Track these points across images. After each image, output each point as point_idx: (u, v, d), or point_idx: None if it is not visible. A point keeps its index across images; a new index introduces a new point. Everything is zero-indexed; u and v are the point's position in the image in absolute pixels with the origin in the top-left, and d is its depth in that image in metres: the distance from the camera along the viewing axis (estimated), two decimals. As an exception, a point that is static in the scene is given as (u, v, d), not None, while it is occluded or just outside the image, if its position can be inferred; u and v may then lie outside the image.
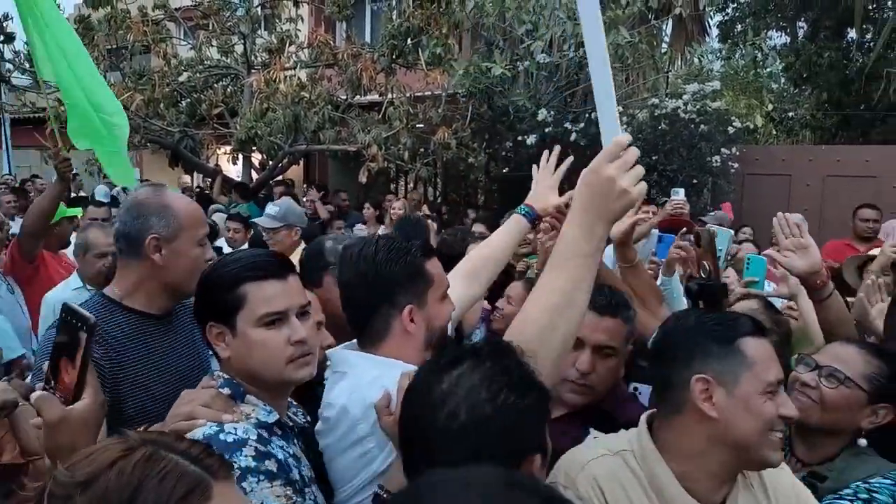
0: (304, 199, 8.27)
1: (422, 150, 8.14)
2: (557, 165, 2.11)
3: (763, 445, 1.29)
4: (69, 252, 4.54)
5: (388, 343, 1.48)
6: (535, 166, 2.14)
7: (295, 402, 1.58)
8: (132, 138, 9.11)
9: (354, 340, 1.57)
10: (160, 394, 1.67)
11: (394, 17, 8.41)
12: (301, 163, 11.63)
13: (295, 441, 1.45)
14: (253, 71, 9.07)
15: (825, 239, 6.01)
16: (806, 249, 2.05)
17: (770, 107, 13.19)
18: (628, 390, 2.16)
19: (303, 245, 4.06)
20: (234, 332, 1.39)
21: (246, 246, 5.42)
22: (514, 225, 2.04)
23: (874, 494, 1.56)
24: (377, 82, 8.31)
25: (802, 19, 15.01)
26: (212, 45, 9.38)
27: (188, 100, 9.53)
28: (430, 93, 8.28)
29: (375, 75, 8.19)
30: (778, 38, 16.33)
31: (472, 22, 8.24)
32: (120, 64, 9.49)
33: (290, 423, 1.47)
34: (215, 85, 9.89)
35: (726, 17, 16.43)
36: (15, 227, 4.26)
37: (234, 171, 10.93)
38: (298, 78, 8.71)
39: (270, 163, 9.36)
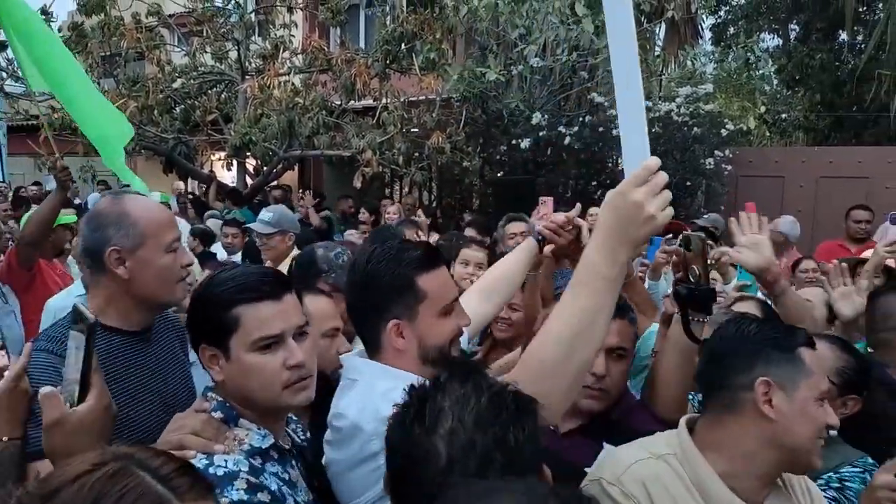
0: (299, 205, 8.27)
1: (416, 154, 8.15)
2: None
3: (812, 450, 1.34)
4: (69, 260, 4.54)
5: (384, 355, 1.45)
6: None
7: (295, 418, 1.52)
8: (126, 145, 9.13)
9: (362, 348, 1.55)
10: (142, 417, 1.58)
11: (387, 22, 8.44)
12: (296, 168, 11.63)
13: (293, 463, 1.40)
14: (247, 77, 9.07)
15: (819, 240, 6.04)
16: (758, 245, 2.09)
17: (763, 109, 13.25)
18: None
19: (296, 251, 4.07)
20: (227, 355, 1.32)
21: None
22: (523, 247, 2.07)
23: (846, 483, 1.64)
24: (371, 87, 8.33)
25: (794, 21, 15.10)
26: (206, 52, 9.39)
27: (182, 106, 9.53)
28: (424, 97, 8.30)
29: (370, 80, 8.21)
30: (770, 41, 16.43)
31: (466, 27, 8.26)
32: (114, 71, 9.48)
33: (288, 446, 1.41)
34: (209, 91, 9.89)
35: (719, 20, 16.52)
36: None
37: (228, 176, 10.92)
38: (293, 84, 8.72)
39: (265, 168, 9.36)
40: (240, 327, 1.31)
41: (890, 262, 3.01)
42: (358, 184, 7.97)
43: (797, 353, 1.37)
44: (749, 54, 12.11)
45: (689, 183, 7.81)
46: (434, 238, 5.20)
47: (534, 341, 1.28)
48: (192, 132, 9.62)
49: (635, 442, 1.47)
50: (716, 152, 7.95)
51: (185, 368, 1.80)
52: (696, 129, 7.78)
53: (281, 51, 9.02)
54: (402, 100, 8.21)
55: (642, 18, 8.70)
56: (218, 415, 1.33)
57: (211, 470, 1.22)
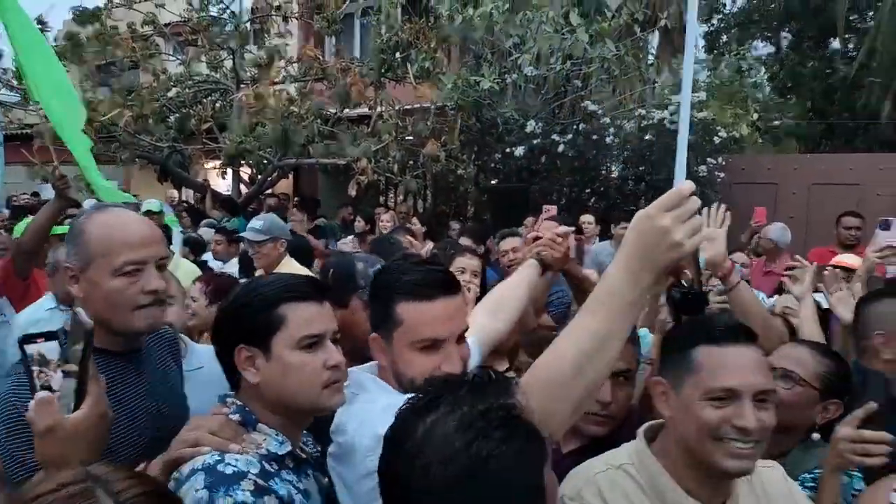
0: (290, 220, 8.29)
1: (411, 162, 8.18)
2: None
3: (710, 451, 1.31)
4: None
5: (381, 371, 1.48)
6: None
7: (305, 431, 1.50)
8: (121, 154, 9.16)
9: (374, 362, 1.53)
10: (130, 439, 1.50)
11: (382, 31, 8.48)
12: (290, 176, 11.65)
13: (309, 473, 1.39)
14: (242, 86, 9.10)
15: (811, 246, 6.08)
16: (713, 241, 2.15)
17: (755, 116, 13.34)
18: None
19: (288, 257, 4.09)
20: (268, 355, 1.33)
21: (235, 260, 5.42)
22: (527, 266, 2.08)
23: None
24: (366, 96, 8.36)
25: (786, 29, 15.23)
26: (201, 61, 9.43)
27: (177, 115, 9.54)
28: (419, 106, 8.33)
29: (364, 89, 8.24)
30: (763, 48, 16.56)
31: (461, 36, 8.31)
32: (109, 80, 9.50)
33: (304, 455, 1.40)
34: (204, 100, 9.91)
35: (712, 28, 16.65)
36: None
37: (223, 185, 10.93)
38: (287, 92, 8.75)
39: (259, 177, 9.38)
40: (284, 325, 1.32)
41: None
42: (353, 192, 7.99)
43: (688, 352, 1.36)
44: (741, 62, 12.19)
45: (681, 190, 7.83)
46: (429, 246, 5.22)
47: (543, 356, 1.25)
48: (187, 141, 9.63)
49: (599, 456, 1.47)
50: (708, 159, 7.99)
51: (178, 383, 1.76)
52: (688, 136, 7.82)
53: (276, 60, 9.05)
54: (396, 108, 8.24)
55: (636, 27, 8.77)
56: (236, 418, 1.34)
57: (220, 468, 1.22)
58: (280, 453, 1.33)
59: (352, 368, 1.57)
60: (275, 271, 3.85)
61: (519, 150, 7.74)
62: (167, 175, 10.05)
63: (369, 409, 1.36)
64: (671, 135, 7.82)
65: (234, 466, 1.23)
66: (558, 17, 7.69)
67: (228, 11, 9.62)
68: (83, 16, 8.90)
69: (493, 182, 8.53)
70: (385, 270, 1.57)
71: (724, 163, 8.20)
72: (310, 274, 3.49)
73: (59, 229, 4.32)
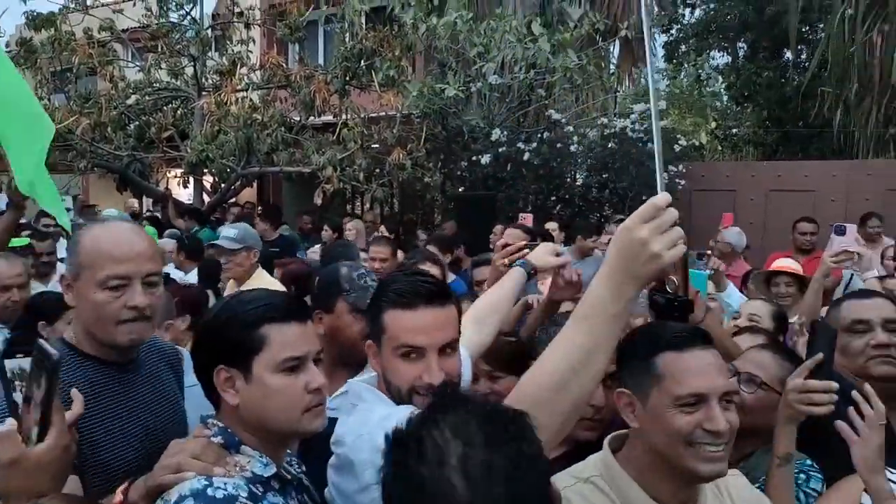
0: (255, 229, 8.17)
1: (377, 170, 8.16)
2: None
3: (683, 457, 1.31)
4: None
5: (379, 382, 1.50)
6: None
7: (289, 451, 1.47)
8: (78, 163, 8.93)
9: (374, 373, 1.53)
10: (127, 453, 1.50)
11: (346, 39, 8.45)
12: (255, 185, 11.50)
13: (294, 494, 1.37)
14: (204, 93, 8.96)
15: (770, 251, 6.23)
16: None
17: (714, 124, 13.69)
18: None
19: (260, 269, 4.01)
20: (247, 376, 1.29)
21: (195, 270, 5.29)
22: (512, 275, 2.06)
23: None
24: (331, 104, 8.32)
25: (742, 40, 15.67)
26: (161, 68, 9.25)
27: (137, 123, 9.35)
28: (384, 114, 8.32)
29: (329, 97, 8.20)
30: (720, 58, 17.02)
31: (425, 44, 8.34)
32: (65, 87, 9.26)
33: (289, 476, 1.37)
34: (165, 107, 9.74)
35: (671, 38, 17.04)
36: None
37: (184, 194, 10.73)
38: (251, 100, 8.65)
39: (222, 185, 9.23)
40: (266, 347, 1.29)
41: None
42: (319, 200, 7.93)
43: (651, 360, 1.37)
44: (700, 71, 12.51)
45: (644, 197, 7.95)
46: (400, 256, 5.18)
47: (529, 371, 1.26)
48: (147, 149, 9.44)
49: (568, 469, 1.46)
50: (669, 167, 8.16)
51: (176, 398, 1.73)
52: (649, 144, 7.98)
53: (238, 67, 8.94)
54: (362, 116, 8.21)
55: (597, 37, 8.92)
56: (218, 440, 1.30)
57: (209, 492, 1.19)
58: (265, 475, 1.29)
59: (351, 380, 1.59)
60: (247, 283, 3.79)
61: (485, 158, 7.78)
62: (127, 184, 9.82)
63: (366, 421, 1.36)
64: (633, 143, 7.97)
65: (224, 490, 1.21)
66: (521, 26, 7.78)
67: (189, 18, 9.48)
68: (37, 21, 8.66)
69: (459, 190, 8.56)
70: (381, 281, 1.60)
71: (684, 170, 8.37)
72: (283, 289, 3.43)
73: (16, 241, 4.18)
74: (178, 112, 9.79)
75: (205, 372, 1.33)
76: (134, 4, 9.54)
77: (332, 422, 1.46)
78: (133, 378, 1.60)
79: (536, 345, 2.08)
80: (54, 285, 4.18)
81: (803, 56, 13.38)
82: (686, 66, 13.84)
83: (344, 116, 8.27)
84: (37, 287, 3.86)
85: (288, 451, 1.45)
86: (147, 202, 12.09)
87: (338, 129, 8.18)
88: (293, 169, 8.27)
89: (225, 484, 1.22)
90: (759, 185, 8.52)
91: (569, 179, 8.13)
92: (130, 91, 9.17)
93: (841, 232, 3.21)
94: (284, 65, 9.11)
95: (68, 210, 7.37)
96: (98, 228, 1.60)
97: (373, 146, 8.18)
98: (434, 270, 3.10)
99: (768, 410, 1.82)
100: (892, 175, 7.96)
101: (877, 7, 9.62)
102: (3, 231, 3.41)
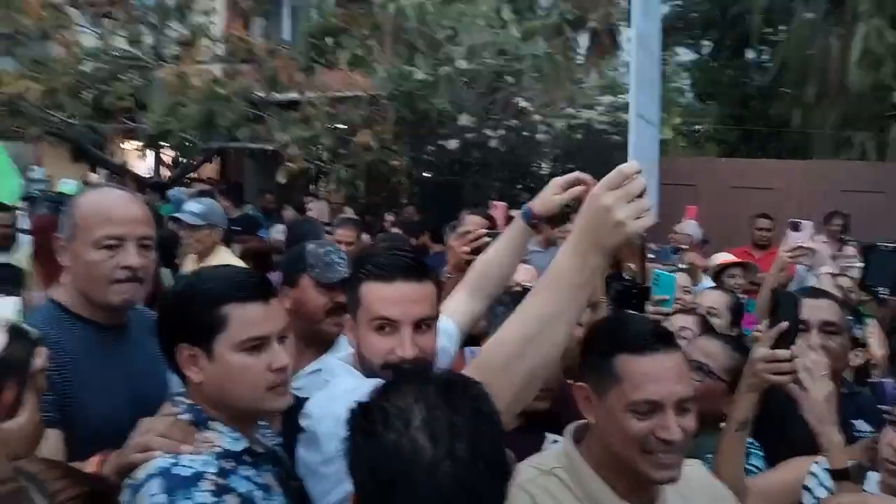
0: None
1: (342, 151, 8.05)
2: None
3: (636, 461, 1.30)
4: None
5: (355, 358, 1.49)
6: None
7: (262, 423, 1.47)
8: (28, 129, 8.56)
9: (351, 351, 1.53)
10: (114, 415, 1.52)
11: (313, 14, 8.28)
12: (218, 162, 11.23)
13: (267, 467, 1.37)
14: (163, 63, 8.68)
15: (731, 246, 6.38)
16: None
17: (678, 120, 13.89)
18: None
19: (223, 247, 3.91)
20: (210, 355, 1.29)
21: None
22: (513, 228, 1.88)
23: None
24: (296, 81, 8.15)
25: (707, 37, 15.91)
26: (119, 35, 8.92)
27: (92, 91, 9.00)
28: (351, 94, 8.20)
29: (294, 73, 8.03)
30: (686, 55, 17.26)
31: (394, 25, 8.22)
32: (14, 49, 8.85)
33: (262, 450, 1.37)
34: (122, 76, 9.39)
35: (638, 33, 17.19)
36: None
37: (143, 167, 10.41)
38: (212, 73, 8.42)
39: (183, 160, 8.99)
40: (227, 326, 1.28)
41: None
42: (282, 179, 7.79)
43: (610, 360, 1.33)
44: (665, 67, 12.66)
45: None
46: (366, 238, 5.13)
47: (489, 341, 1.26)
48: (104, 119, 9.11)
49: (527, 460, 1.45)
50: (633, 160, 8.26)
51: (162, 367, 1.70)
52: (615, 136, 8.06)
53: (200, 38, 8.68)
54: (328, 95, 8.08)
55: (565, 27, 8.93)
56: (187, 417, 1.30)
57: (175, 470, 1.20)
58: (236, 450, 1.30)
59: (327, 357, 1.61)
60: (208, 260, 3.68)
61: (452, 144, 7.75)
62: (82, 154, 9.47)
63: (332, 394, 1.38)
64: (598, 134, 8.03)
65: (191, 468, 1.21)
66: (490, 11, 7.74)
67: (149, -16, 9.16)
68: (-14, -21, 8.25)
69: (425, 174, 8.52)
70: (361, 256, 1.62)
71: (647, 164, 8.47)
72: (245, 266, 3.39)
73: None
74: (135, 81, 9.46)
75: (168, 349, 1.34)
76: (92, -33, 9.18)
77: (302, 401, 1.46)
78: (122, 343, 1.64)
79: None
80: (17, 259, 4.02)
81: (766, 56, 13.66)
82: (652, 60, 14.03)
83: (309, 94, 8.12)
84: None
85: (262, 422, 1.46)
86: (101, 174, 11.71)
87: (302, 107, 8.03)
88: (256, 146, 8.11)
89: (192, 461, 1.22)
90: (719, 181, 8.70)
91: (534, 168, 8.16)
92: (85, 58, 8.82)
93: (796, 228, 3.29)
94: (248, 38, 8.88)
95: (34, 181, 7.05)
96: (94, 193, 1.70)
97: (339, 126, 8.06)
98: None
99: (714, 399, 1.89)
100: (847, 177, 8.22)
101: (836, 11, 9.88)
102: None
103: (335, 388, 1.40)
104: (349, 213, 5.94)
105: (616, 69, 10.88)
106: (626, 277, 1.71)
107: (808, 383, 1.61)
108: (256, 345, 1.29)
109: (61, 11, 8.90)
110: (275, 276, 2.47)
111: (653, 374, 1.30)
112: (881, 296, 3.05)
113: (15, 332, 1.17)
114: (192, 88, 7.71)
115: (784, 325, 1.66)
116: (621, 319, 1.65)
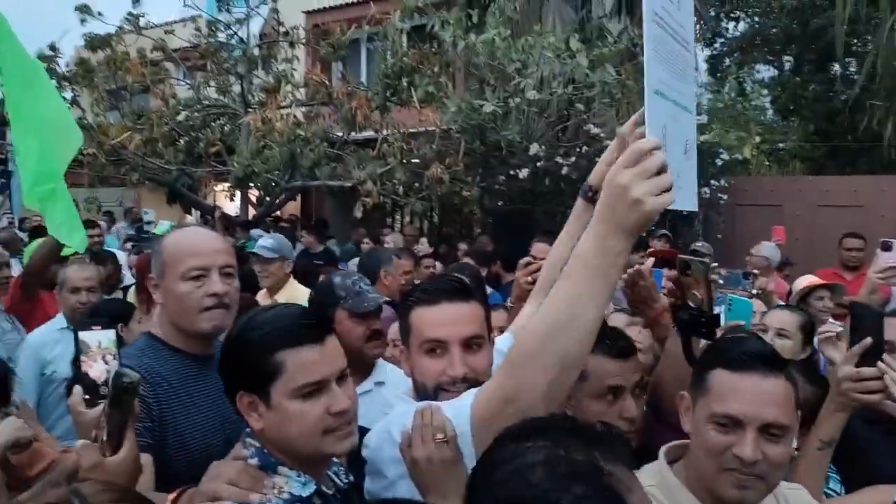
0: (301, 241, 8.36)
1: (416, 184, 8.26)
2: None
3: (713, 476, 1.28)
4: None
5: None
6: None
7: (336, 460, 1.43)
8: (130, 176, 9.28)
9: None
10: (202, 441, 1.62)
11: (388, 56, 8.62)
12: (298, 199, 11.75)
13: None
14: (250, 110, 9.24)
15: (816, 267, 6.09)
16: None
17: (758, 139, 13.43)
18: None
19: (292, 279, 4.14)
20: (267, 403, 1.26)
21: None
22: (575, 211, 1.83)
23: None
24: (372, 120, 8.47)
25: (787, 53, 15.37)
26: (209, 86, 9.58)
27: (186, 138, 9.68)
28: (423, 129, 8.43)
29: (370, 113, 8.35)
30: (766, 72, 16.71)
31: (464, 61, 8.43)
32: (119, 104, 9.66)
33: (332, 491, 1.34)
34: (213, 124, 10.06)
35: (714, 52, 16.82)
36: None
37: (231, 207, 11.03)
38: (294, 116, 8.87)
39: (267, 199, 9.47)
40: (282, 373, 1.24)
41: None
42: (358, 214, 8.07)
43: (706, 372, 1.35)
44: (743, 85, 12.32)
45: (685, 212, 7.89)
46: (440, 267, 5.25)
47: (522, 331, 1.29)
48: (196, 164, 9.76)
49: None
50: (711, 182, 8.04)
51: None
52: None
53: (283, 84, 9.19)
54: (401, 132, 8.34)
55: (637, 51, 8.88)
56: (255, 462, 1.28)
57: None
58: (304, 494, 1.26)
59: (369, 379, 1.67)
60: (280, 294, 3.91)
61: (523, 173, 7.80)
62: (176, 197, 10.15)
63: (388, 421, 1.40)
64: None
65: None
66: (559, 42, 7.81)
67: (237, 37, 9.81)
68: (94, 42, 9.07)
69: (498, 204, 8.59)
70: (412, 286, 1.64)
71: (726, 185, 8.24)
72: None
73: (68, 251, 4.38)
74: (226, 128, 10.11)
75: (231, 394, 1.33)
76: (185, 25, 9.93)
77: (364, 431, 1.47)
78: (212, 372, 1.66)
79: None
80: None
81: (853, 68, 13.05)
82: (730, 79, 13.64)
83: (384, 132, 8.41)
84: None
85: (336, 460, 1.42)
86: (195, 214, 12.46)
87: (378, 145, 8.32)
88: (335, 183, 8.44)
89: None
90: (806, 200, 8.33)
91: (607, 194, 8.06)
92: (180, 108, 9.51)
93: (887, 248, 3.14)
94: (327, 82, 9.33)
95: (147, 223, 7.54)
96: (177, 232, 1.84)
97: (412, 161, 8.29)
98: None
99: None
100: (944, 190, 7.71)
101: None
102: (55, 242, 3.49)
103: (391, 417, 1.40)
104: (424, 244, 6.08)
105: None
106: (692, 305, 1.68)
107: None
108: (313, 390, 1.25)
109: (160, 67, 9.67)
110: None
111: (741, 392, 1.28)
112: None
113: (118, 375, 1.26)
114: (276, 132, 8.16)
115: (868, 341, 1.60)
116: (737, 339, 1.61)
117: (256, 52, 9.78)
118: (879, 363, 1.59)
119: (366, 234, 8.87)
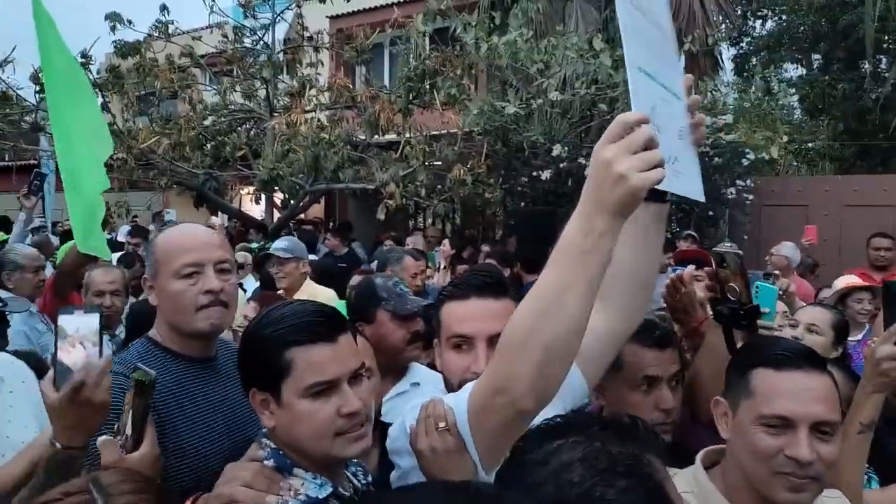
0: (326, 243, 8.46)
1: (439, 186, 8.30)
2: None
3: (765, 481, 1.24)
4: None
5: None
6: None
7: (355, 459, 1.39)
8: (159, 180, 9.48)
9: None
10: (207, 444, 1.56)
11: (410, 60, 8.68)
12: (322, 201, 11.87)
13: None
14: (275, 114, 9.36)
15: (844, 268, 5.98)
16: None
17: (786, 138, 13.22)
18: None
19: (308, 279, 4.25)
20: (279, 401, 1.24)
21: (252, 279, 5.59)
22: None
23: None
24: (395, 123, 8.53)
25: (816, 51, 15.11)
26: (235, 91, 9.73)
27: (213, 143, 9.84)
28: (446, 132, 8.47)
29: (393, 116, 8.41)
30: (794, 71, 16.44)
31: (486, 63, 8.45)
32: (148, 110, 9.86)
33: (349, 493, 1.32)
34: (239, 128, 10.21)
35: (741, 51, 16.60)
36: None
37: (257, 210, 11.18)
38: (318, 120, 8.97)
39: (292, 202, 9.59)
40: (292, 372, 1.22)
41: None
42: (381, 216, 8.12)
43: (747, 374, 1.31)
44: (770, 83, 12.12)
45: (711, 213, 7.80)
46: (463, 268, 5.27)
47: (510, 320, 1.23)
48: (222, 168, 9.91)
49: None
50: (737, 182, 7.94)
51: None
52: (717, 158, 7.80)
53: (307, 89, 9.30)
54: (424, 134, 8.38)
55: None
56: (271, 463, 1.26)
57: None
58: (321, 496, 1.24)
59: (404, 380, 1.68)
60: (297, 294, 3.99)
61: (545, 174, 7.79)
62: (203, 200, 10.33)
63: (405, 413, 1.40)
64: (700, 157, 7.79)
65: None
66: (582, 43, 7.79)
67: (262, 43, 9.95)
68: (124, 49, 9.27)
69: (520, 205, 8.59)
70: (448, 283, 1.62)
71: (752, 185, 8.14)
72: (327, 301, 3.57)
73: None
74: (251, 132, 10.25)
75: (247, 389, 1.32)
76: (211, 32, 10.10)
77: (388, 427, 1.50)
78: (213, 375, 1.66)
79: None
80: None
81: (882, 66, 12.79)
82: (756, 78, 13.44)
83: (407, 135, 8.47)
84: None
85: (355, 460, 1.39)
86: (222, 218, 12.65)
87: (401, 147, 8.38)
88: (358, 186, 8.51)
89: None
90: (834, 199, 8.19)
91: (631, 195, 8.01)
92: (207, 113, 9.66)
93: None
94: (351, 86, 9.43)
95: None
96: (169, 230, 1.74)
97: (434, 163, 8.33)
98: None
99: None
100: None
101: (963, 13, 9.14)
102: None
103: (409, 409, 1.39)
104: (446, 244, 6.11)
105: (717, 89, 10.56)
106: (731, 298, 1.68)
107: None
108: (323, 389, 1.22)
109: (187, 73, 9.85)
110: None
111: (788, 391, 1.25)
112: None
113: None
114: (301, 135, 8.25)
115: None
116: (770, 338, 1.59)
117: (281, 56, 9.92)
118: None
119: (390, 236, 8.93)
